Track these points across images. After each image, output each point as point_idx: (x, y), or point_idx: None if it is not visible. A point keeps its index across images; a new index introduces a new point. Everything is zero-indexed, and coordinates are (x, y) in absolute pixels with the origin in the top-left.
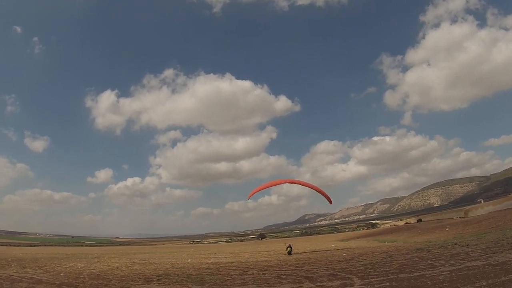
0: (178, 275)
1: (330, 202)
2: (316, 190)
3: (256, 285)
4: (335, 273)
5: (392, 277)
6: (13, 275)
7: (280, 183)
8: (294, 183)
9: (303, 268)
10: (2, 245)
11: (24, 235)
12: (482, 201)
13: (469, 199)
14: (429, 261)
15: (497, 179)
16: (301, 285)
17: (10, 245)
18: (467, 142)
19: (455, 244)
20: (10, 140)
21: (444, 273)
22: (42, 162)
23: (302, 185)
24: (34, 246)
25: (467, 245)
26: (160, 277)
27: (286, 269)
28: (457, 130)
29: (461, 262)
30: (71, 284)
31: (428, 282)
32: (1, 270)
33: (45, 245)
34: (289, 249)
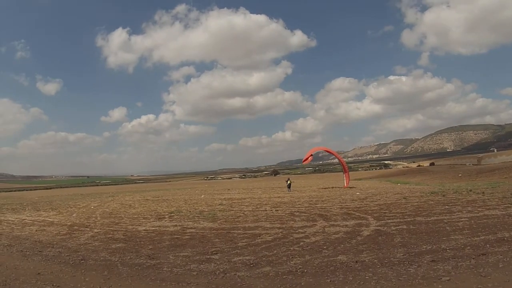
0: (190, 211)
1: (346, 185)
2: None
3: (269, 222)
4: (349, 212)
5: (408, 219)
6: (25, 219)
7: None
8: (332, 154)
9: (317, 205)
10: (18, 190)
11: (40, 179)
12: (495, 150)
13: (482, 147)
14: (446, 206)
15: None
16: (315, 223)
17: (27, 190)
18: (484, 89)
19: (470, 190)
20: (22, 86)
21: (462, 219)
22: (55, 105)
23: (336, 157)
24: (50, 188)
25: (483, 193)
26: (172, 214)
27: (299, 206)
28: (475, 76)
29: (478, 209)
30: (83, 224)
31: (447, 228)
32: (15, 215)
33: (61, 187)
34: (288, 182)
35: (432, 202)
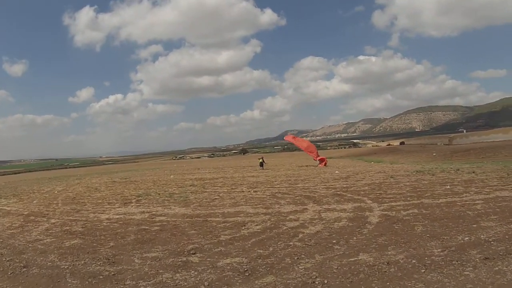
0: (159, 194)
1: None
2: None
3: (250, 206)
4: (338, 192)
5: (414, 202)
6: None
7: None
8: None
9: (298, 185)
10: None
11: (8, 163)
12: (464, 131)
13: (451, 128)
14: (446, 186)
15: (481, 111)
16: (305, 206)
17: None
18: (454, 71)
19: (458, 170)
20: None
21: (477, 202)
22: (22, 87)
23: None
24: (19, 173)
25: (473, 172)
26: (140, 198)
27: (278, 186)
28: (445, 58)
29: (485, 190)
30: (40, 213)
31: (468, 212)
32: None
33: (29, 171)
34: (260, 160)
35: (425, 182)
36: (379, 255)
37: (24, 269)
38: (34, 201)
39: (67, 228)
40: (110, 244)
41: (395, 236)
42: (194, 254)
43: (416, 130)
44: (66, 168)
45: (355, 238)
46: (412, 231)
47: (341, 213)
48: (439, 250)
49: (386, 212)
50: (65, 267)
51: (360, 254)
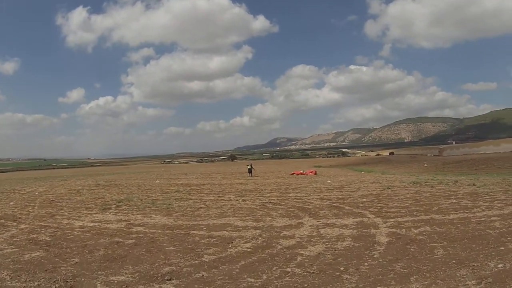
0: (141, 200)
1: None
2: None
3: (239, 218)
4: (334, 204)
5: (423, 217)
6: None
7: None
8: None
9: (289, 195)
10: None
11: None
12: (454, 143)
13: (440, 139)
14: (452, 200)
15: (471, 123)
16: (300, 220)
17: None
18: (444, 83)
19: (456, 181)
20: None
21: (493, 218)
22: (13, 85)
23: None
24: (6, 172)
25: (473, 184)
26: (121, 203)
27: (269, 195)
28: (436, 69)
29: (496, 205)
30: (13, 216)
31: (489, 231)
32: None
33: (17, 170)
34: (249, 166)
35: (427, 194)
36: None
37: None
38: (11, 202)
39: (34, 236)
40: (74, 260)
41: (415, 262)
42: (170, 280)
43: (405, 140)
44: (53, 168)
45: (366, 264)
46: (433, 255)
47: (343, 230)
48: (473, 282)
49: (394, 230)
50: None
51: None
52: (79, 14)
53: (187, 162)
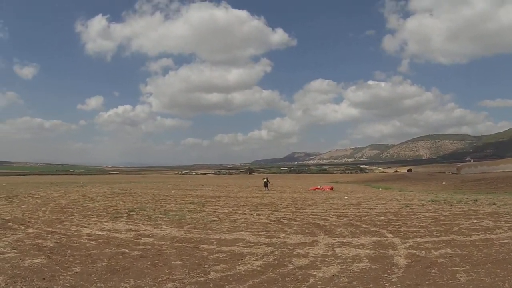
0: (154, 210)
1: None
2: None
3: (251, 233)
4: (351, 222)
5: (444, 238)
6: None
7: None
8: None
9: (305, 210)
10: None
11: (14, 165)
12: (472, 160)
13: (458, 156)
14: (473, 220)
15: (488, 140)
16: (315, 238)
17: None
18: (462, 99)
19: (476, 200)
20: None
21: None
22: (32, 90)
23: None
24: (24, 175)
25: (494, 203)
26: (133, 212)
27: (284, 210)
28: (454, 86)
29: None
30: (22, 219)
31: None
32: None
33: (34, 174)
34: (265, 180)
35: (446, 213)
36: None
37: None
38: (23, 206)
39: (39, 241)
40: (75, 269)
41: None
42: None
43: (423, 158)
44: (71, 174)
45: None
46: (455, 281)
47: (359, 250)
48: None
49: (413, 251)
50: None
51: None
52: (98, 22)
53: (204, 174)
